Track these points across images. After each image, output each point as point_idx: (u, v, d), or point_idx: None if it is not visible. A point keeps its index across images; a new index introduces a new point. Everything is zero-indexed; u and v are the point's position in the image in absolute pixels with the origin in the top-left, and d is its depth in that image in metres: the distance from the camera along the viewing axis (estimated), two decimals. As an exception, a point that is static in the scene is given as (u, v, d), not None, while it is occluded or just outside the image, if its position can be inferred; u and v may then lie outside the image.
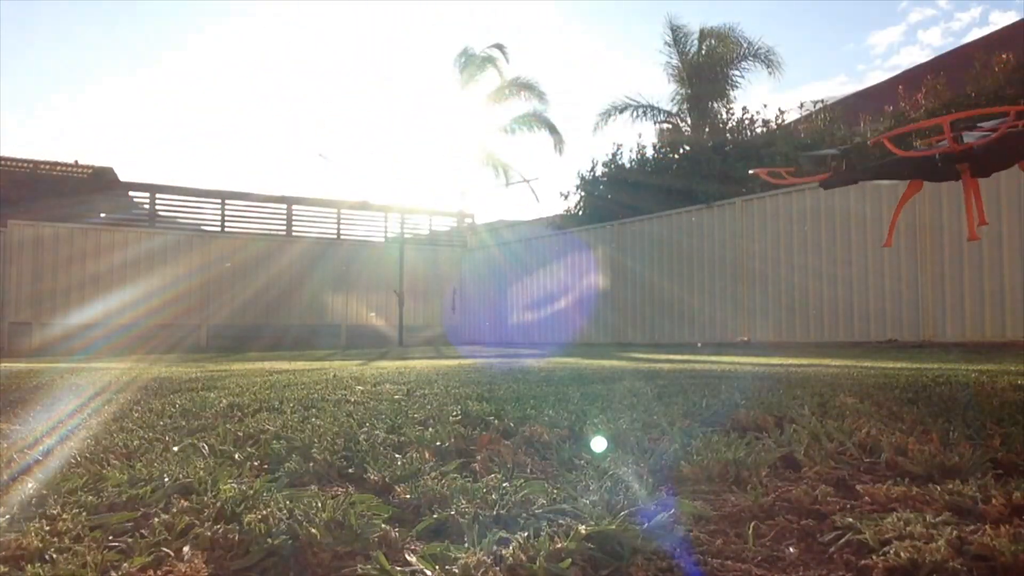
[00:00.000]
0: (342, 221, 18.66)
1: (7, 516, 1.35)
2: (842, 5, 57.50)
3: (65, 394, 4.03)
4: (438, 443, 2.02)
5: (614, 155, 17.78)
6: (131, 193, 17.44)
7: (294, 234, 17.97)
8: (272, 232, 17.82)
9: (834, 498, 1.44)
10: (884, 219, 10.36)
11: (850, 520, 1.25)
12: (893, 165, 3.72)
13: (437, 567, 1.08)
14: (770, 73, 18.77)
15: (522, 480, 1.58)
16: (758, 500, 1.41)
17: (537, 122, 23.56)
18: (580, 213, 17.81)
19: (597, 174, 17.88)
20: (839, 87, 57.75)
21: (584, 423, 2.29)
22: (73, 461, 1.86)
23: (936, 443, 1.76)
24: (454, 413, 2.60)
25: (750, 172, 4.41)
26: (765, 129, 16.58)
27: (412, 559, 1.13)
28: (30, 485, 1.56)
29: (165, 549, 1.19)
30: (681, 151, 17.12)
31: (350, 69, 50.86)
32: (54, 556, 1.13)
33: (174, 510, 1.36)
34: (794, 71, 51.99)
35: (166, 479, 1.61)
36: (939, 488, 1.40)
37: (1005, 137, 3.42)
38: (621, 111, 19.80)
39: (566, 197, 18.62)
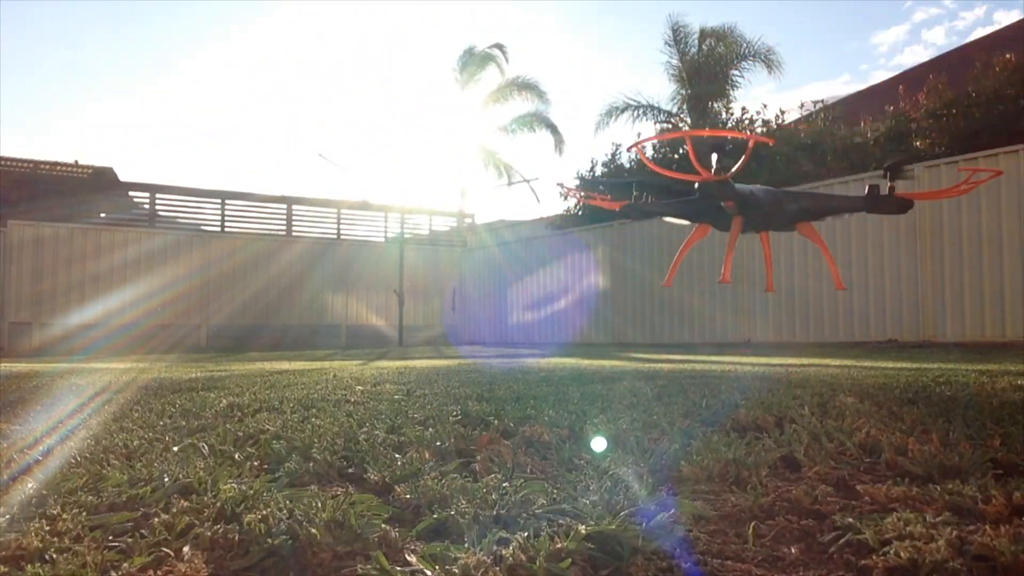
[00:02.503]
0: (342, 221, 18.66)
1: (7, 516, 1.34)
2: (846, 4, 57.50)
3: (65, 394, 4.02)
4: (438, 443, 2.02)
5: (614, 155, 17.80)
6: (131, 193, 17.44)
7: (294, 234, 17.97)
8: (272, 232, 17.81)
9: (834, 498, 1.44)
10: (884, 218, 10.35)
11: (850, 520, 1.25)
12: (676, 206, 3.66)
13: (437, 567, 1.08)
14: (770, 73, 18.80)
15: (522, 480, 1.58)
16: (758, 500, 1.41)
17: (538, 122, 23.56)
18: (580, 213, 17.81)
19: (597, 174, 17.87)
20: (842, 87, 57.73)
21: (584, 423, 2.29)
22: (73, 461, 1.86)
23: (936, 443, 1.76)
24: (454, 413, 2.59)
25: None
26: (765, 129, 16.58)
27: (412, 559, 1.13)
28: (30, 485, 1.56)
29: (165, 549, 1.19)
30: (681, 151, 17.11)
31: (350, 69, 50.97)
32: (54, 556, 1.13)
33: (174, 510, 1.36)
34: (797, 71, 51.99)
35: (166, 479, 1.61)
36: (939, 488, 1.40)
37: (779, 197, 3.30)
38: (621, 111, 19.80)
39: (566, 197, 18.63)
